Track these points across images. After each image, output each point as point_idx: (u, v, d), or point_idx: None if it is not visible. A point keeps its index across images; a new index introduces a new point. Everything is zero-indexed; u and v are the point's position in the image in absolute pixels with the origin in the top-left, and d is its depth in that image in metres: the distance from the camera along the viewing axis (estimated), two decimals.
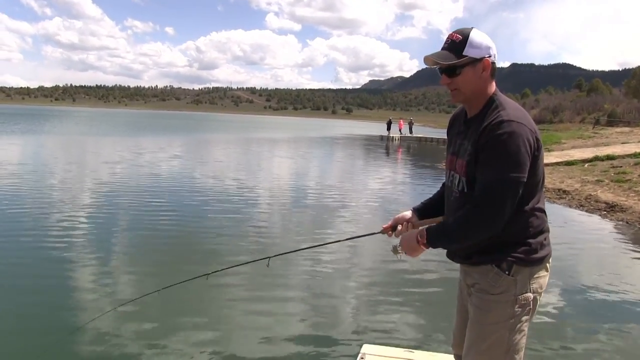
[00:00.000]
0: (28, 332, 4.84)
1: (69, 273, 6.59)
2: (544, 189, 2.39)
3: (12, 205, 10.51)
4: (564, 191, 14.56)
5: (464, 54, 2.27)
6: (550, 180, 16.19)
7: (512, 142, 2.14)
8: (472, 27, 2.34)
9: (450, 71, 2.32)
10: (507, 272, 2.28)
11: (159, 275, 6.70)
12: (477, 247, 2.32)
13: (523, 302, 2.30)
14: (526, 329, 2.36)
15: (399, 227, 2.70)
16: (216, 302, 5.89)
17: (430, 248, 2.39)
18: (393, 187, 16.88)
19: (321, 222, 10.29)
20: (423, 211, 2.77)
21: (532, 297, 2.32)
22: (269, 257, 3.26)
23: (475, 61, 2.28)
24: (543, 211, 2.36)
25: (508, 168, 2.14)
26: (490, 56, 2.30)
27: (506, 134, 2.14)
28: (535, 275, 2.33)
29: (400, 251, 2.55)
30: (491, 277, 2.31)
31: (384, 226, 2.79)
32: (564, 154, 22.75)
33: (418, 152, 37.28)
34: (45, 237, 8.16)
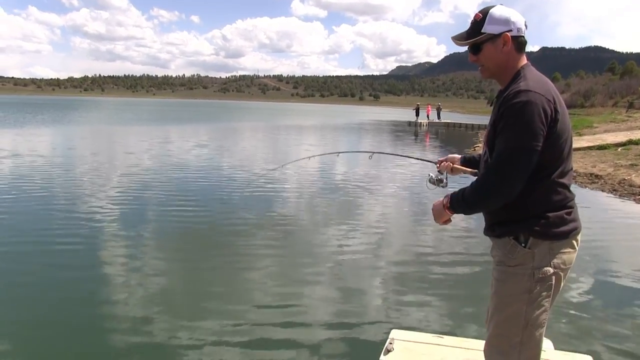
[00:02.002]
0: (59, 317, 4.95)
1: (99, 261, 6.71)
2: (570, 165, 2.36)
3: (43, 194, 10.73)
4: (596, 175, 14.27)
5: (482, 31, 2.36)
6: (582, 164, 15.90)
7: (526, 111, 2.17)
8: (497, 5, 2.40)
9: (474, 49, 2.43)
10: (523, 245, 2.30)
11: (187, 261, 6.79)
12: (498, 218, 2.38)
13: (541, 276, 2.29)
14: (547, 304, 2.33)
15: (445, 164, 3.03)
16: (245, 285, 5.95)
17: (454, 213, 2.47)
18: (419, 172, 16.75)
19: (347, 210, 10.25)
20: (467, 160, 2.96)
21: (552, 271, 2.30)
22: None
23: (494, 37, 2.35)
24: (566, 186, 2.34)
25: (521, 136, 2.17)
26: (510, 30, 2.33)
27: (521, 103, 2.17)
28: (557, 250, 2.31)
29: (433, 181, 3.00)
30: (509, 248, 2.34)
31: (440, 159, 3.09)
32: (596, 138, 22.31)
33: (446, 137, 36.91)
34: (74, 227, 8.29)
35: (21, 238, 7.49)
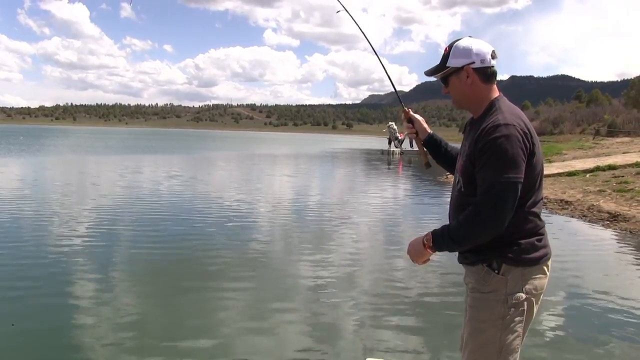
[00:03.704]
0: (27, 346, 4.80)
1: (69, 289, 6.54)
2: (541, 195, 2.42)
3: (11, 226, 10.48)
4: (566, 202, 14.49)
5: (447, 64, 2.44)
6: (552, 191, 16.15)
7: (508, 145, 2.20)
8: (464, 37, 2.47)
9: (443, 81, 2.52)
10: (496, 271, 2.33)
11: (157, 290, 6.68)
12: (469, 248, 2.39)
13: (514, 301, 2.32)
14: (520, 330, 2.37)
15: (412, 130, 3.02)
16: (215, 314, 5.84)
17: (437, 252, 2.45)
18: (394, 200, 16.85)
19: (322, 236, 10.23)
20: (432, 141, 2.99)
21: (524, 297, 2.34)
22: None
23: (457, 70, 2.42)
24: (536, 214, 2.40)
25: (506, 170, 2.19)
26: (473, 62, 2.38)
27: (502, 137, 2.21)
28: (529, 276, 2.35)
29: (393, 135, 2.79)
30: (482, 275, 2.37)
31: (408, 111, 3.06)
32: (565, 164, 22.73)
33: (419, 165, 37.22)
34: (43, 258, 8.07)
35: None
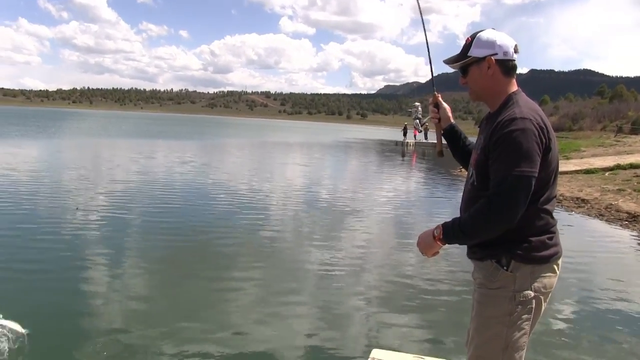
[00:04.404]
0: (38, 327, 4.77)
1: (80, 273, 6.55)
2: (554, 192, 2.39)
3: (25, 208, 10.55)
4: (583, 200, 14.27)
5: (468, 54, 2.41)
6: (569, 188, 15.96)
7: (523, 139, 2.17)
8: (488, 28, 2.45)
9: (463, 71, 2.48)
10: (505, 268, 2.30)
11: (169, 277, 6.66)
12: (479, 242, 2.37)
13: (522, 299, 2.30)
14: (527, 327, 2.34)
15: (435, 115, 2.93)
16: (225, 302, 5.83)
17: (446, 244, 2.41)
18: (406, 192, 16.75)
19: (333, 227, 10.17)
20: (452, 132, 2.91)
21: (532, 295, 2.31)
22: None
23: (479, 60, 2.39)
24: (549, 211, 2.35)
25: (520, 164, 2.16)
26: (495, 54, 2.36)
27: (518, 131, 2.18)
28: (538, 274, 2.32)
29: (416, 115, 3.01)
30: (490, 271, 2.34)
31: (438, 96, 2.94)
32: (583, 162, 22.46)
33: (433, 158, 37.07)
34: (55, 242, 8.13)
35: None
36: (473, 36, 2.42)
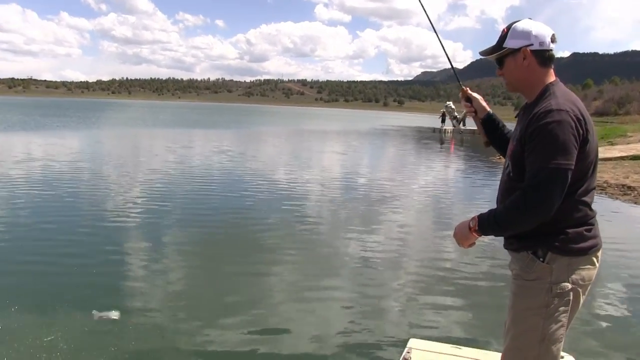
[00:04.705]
0: (79, 315, 4.92)
1: (121, 258, 6.75)
2: (593, 184, 2.35)
3: (67, 196, 10.88)
4: (629, 187, 13.80)
5: (504, 45, 2.39)
6: (614, 175, 15.54)
7: (560, 131, 2.15)
8: (524, 19, 2.42)
9: (498, 62, 2.46)
10: (541, 259, 2.28)
11: (208, 265, 6.78)
12: (516, 233, 2.35)
13: (559, 291, 2.27)
14: (565, 320, 2.31)
15: (470, 109, 2.92)
16: (264, 291, 5.91)
17: (482, 235, 2.40)
18: (445, 180, 16.60)
19: (370, 216, 10.17)
20: (490, 120, 2.87)
21: (570, 287, 2.28)
22: None
23: (515, 51, 2.36)
24: (587, 203, 2.32)
25: (556, 156, 2.14)
26: (531, 44, 2.32)
27: (554, 123, 2.15)
28: (576, 267, 2.29)
29: (451, 114, 3.01)
30: (527, 263, 2.33)
31: (465, 89, 2.94)
32: (629, 147, 21.79)
33: (471, 145, 36.55)
34: (97, 229, 8.41)
35: (44, 246, 7.48)
36: (509, 27, 2.39)
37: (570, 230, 2.27)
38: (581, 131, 2.18)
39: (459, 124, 3.12)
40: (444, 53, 3.08)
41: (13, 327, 4.63)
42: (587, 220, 2.32)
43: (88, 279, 6.00)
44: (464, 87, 2.93)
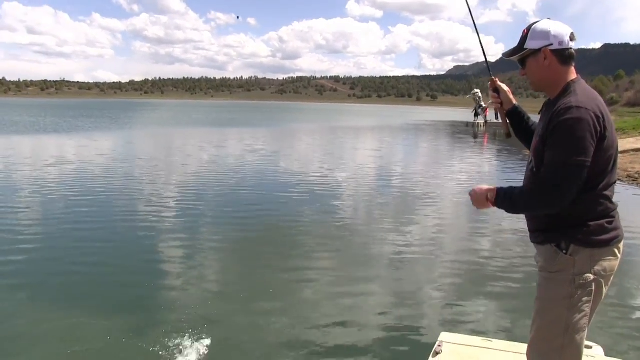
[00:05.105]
0: (114, 310, 5.14)
1: (158, 264, 6.98)
2: (614, 179, 2.42)
3: (101, 199, 11.21)
4: None
5: (524, 46, 2.47)
6: None
7: (577, 128, 2.22)
8: (544, 19, 2.49)
9: (521, 63, 2.55)
10: (564, 252, 2.37)
11: (244, 264, 6.95)
12: (540, 226, 2.46)
13: (582, 282, 2.35)
14: (588, 309, 2.39)
15: (497, 104, 2.96)
16: (299, 284, 6.06)
17: (496, 207, 2.51)
18: (478, 174, 16.49)
19: (404, 212, 10.23)
20: (515, 113, 2.92)
21: (592, 278, 2.35)
22: None
23: (535, 52, 2.44)
24: (607, 197, 2.39)
25: (572, 152, 2.22)
26: (551, 45, 2.40)
27: (573, 120, 2.23)
28: (598, 258, 2.36)
29: (477, 103, 2.76)
30: (550, 255, 2.41)
31: (495, 80, 2.99)
32: None
33: (504, 138, 36.19)
34: (133, 230, 8.67)
35: (81, 248, 7.72)
36: (529, 28, 2.47)
37: (592, 223, 2.34)
38: (599, 128, 2.25)
39: (482, 114, 3.12)
40: (479, 44, 3.10)
41: (51, 329, 4.86)
42: (609, 212, 2.38)
43: (125, 281, 6.17)
44: (493, 78, 3.00)
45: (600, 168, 2.31)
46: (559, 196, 2.25)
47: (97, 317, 4.99)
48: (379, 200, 11.22)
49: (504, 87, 2.97)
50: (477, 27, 3.21)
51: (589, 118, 2.23)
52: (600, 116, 2.27)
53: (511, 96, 2.96)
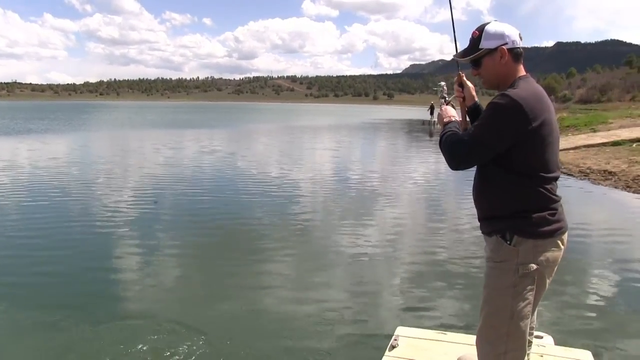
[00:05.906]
0: (70, 307, 5.08)
1: (113, 261, 6.93)
2: (555, 172, 2.55)
3: (54, 203, 10.97)
4: (610, 172, 14.18)
5: (480, 47, 2.60)
6: (595, 161, 15.84)
7: (499, 113, 2.41)
8: (490, 21, 2.65)
9: (475, 63, 2.68)
10: (508, 242, 2.50)
11: (202, 263, 6.94)
12: (484, 213, 2.63)
13: (525, 271, 2.49)
14: (531, 297, 2.53)
15: (460, 94, 3.04)
16: (256, 286, 6.04)
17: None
18: (435, 173, 16.76)
19: (362, 210, 10.34)
20: (474, 109, 3.01)
21: (535, 267, 2.49)
22: None
23: (492, 51, 2.59)
24: (549, 190, 2.52)
25: (484, 132, 2.44)
26: (506, 43, 2.55)
27: (499, 105, 2.41)
28: (542, 249, 2.50)
29: (441, 93, 3.14)
30: (496, 245, 2.55)
31: (462, 75, 3.06)
32: (610, 134, 22.11)
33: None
34: (90, 227, 8.55)
35: (34, 250, 7.63)
36: (479, 30, 2.61)
37: (534, 215, 2.47)
38: (529, 120, 2.38)
39: (446, 104, 3.20)
40: (454, 39, 3.07)
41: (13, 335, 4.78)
42: (551, 205, 2.52)
43: (80, 286, 6.07)
44: (460, 73, 3.09)
45: (539, 160, 2.46)
46: (460, 160, 2.53)
47: (41, 329, 4.90)
48: (337, 201, 11.30)
49: (469, 83, 3.09)
50: (454, 23, 3.17)
51: (516, 107, 2.37)
52: (535, 109, 2.41)
53: (474, 93, 3.07)
